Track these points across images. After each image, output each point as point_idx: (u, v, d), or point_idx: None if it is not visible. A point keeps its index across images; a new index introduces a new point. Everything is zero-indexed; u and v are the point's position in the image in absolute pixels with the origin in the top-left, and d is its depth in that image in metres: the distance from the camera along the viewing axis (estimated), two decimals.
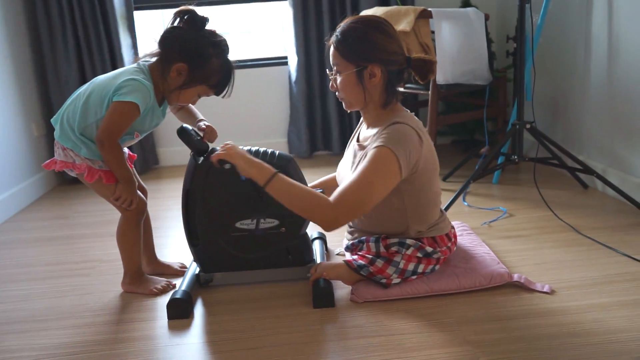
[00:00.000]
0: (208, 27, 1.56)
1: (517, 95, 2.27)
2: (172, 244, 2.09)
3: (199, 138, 1.59)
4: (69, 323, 1.54)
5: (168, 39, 1.55)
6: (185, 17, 1.53)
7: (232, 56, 1.61)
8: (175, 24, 1.55)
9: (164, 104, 1.64)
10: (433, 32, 2.47)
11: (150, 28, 3.27)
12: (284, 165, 1.58)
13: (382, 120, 1.54)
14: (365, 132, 1.63)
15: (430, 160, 1.54)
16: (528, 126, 2.24)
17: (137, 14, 3.13)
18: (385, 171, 1.43)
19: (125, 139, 1.62)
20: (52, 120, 1.63)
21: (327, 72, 1.62)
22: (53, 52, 2.96)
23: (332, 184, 1.83)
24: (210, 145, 1.63)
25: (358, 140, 1.64)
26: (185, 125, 1.59)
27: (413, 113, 1.61)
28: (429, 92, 2.52)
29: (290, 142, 3.38)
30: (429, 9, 2.39)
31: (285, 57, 3.29)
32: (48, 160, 1.64)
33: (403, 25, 2.37)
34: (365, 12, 2.62)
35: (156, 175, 3.17)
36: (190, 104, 1.75)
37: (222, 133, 3.38)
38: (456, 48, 2.42)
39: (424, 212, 1.58)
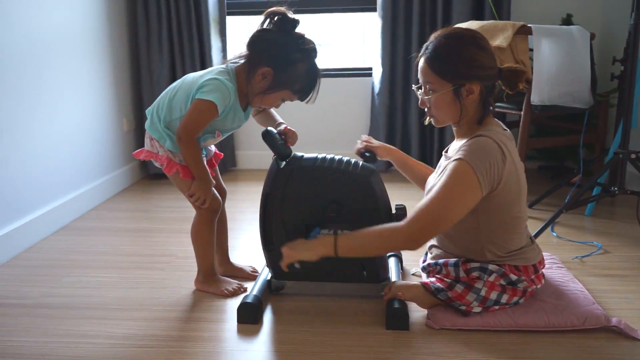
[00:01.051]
0: (298, 30, 1.54)
1: (623, 122, 2.08)
2: (244, 246, 2.09)
3: (282, 142, 1.57)
4: (142, 315, 1.56)
5: (256, 42, 1.53)
6: (276, 19, 1.51)
7: (319, 62, 1.58)
8: (265, 25, 1.53)
9: (248, 107, 1.64)
10: (531, 50, 2.33)
11: (240, 33, 3.35)
12: (366, 175, 1.53)
13: (474, 133, 1.46)
14: (454, 144, 1.55)
15: (514, 180, 1.42)
16: (633, 156, 2.05)
17: (228, 19, 3.21)
18: (464, 185, 1.35)
19: (206, 137, 1.63)
20: (147, 110, 1.67)
21: (414, 87, 1.55)
22: (148, 51, 3.09)
23: (422, 171, 1.78)
24: (293, 151, 1.60)
25: (447, 153, 1.56)
26: (270, 128, 1.58)
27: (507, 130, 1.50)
28: (522, 112, 2.37)
29: None
30: (529, 25, 2.25)
31: (370, 69, 3.25)
32: (138, 150, 1.68)
33: (499, 41, 2.25)
34: (458, 26, 2.53)
35: (233, 177, 3.21)
36: (270, 110, 1.75)
37: (301, 141, 3.36)
38: (555, 67, 2.26)
39: (500, 236, 1.46)
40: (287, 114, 3.45)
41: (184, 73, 3.10)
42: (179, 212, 2.52)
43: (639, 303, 1.58)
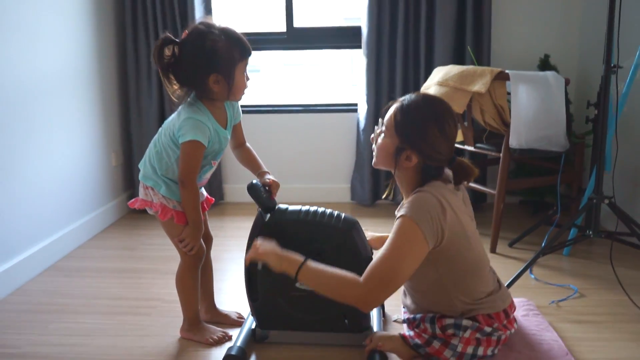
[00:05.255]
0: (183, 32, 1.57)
1: (597, 168, 2.16)
2: (229, 289, 2.12)
3: (267, 195, 1.62)
4: None
5: (181, 74, 1.57)
6: (170, 48, 1.54)
7: (220, 21, 1.59)
8: (171, 59, 1.55)
9: (227, 123, 1.69)
10: (509, 93, 2.41)
11: None
12: (348, 229, 1.58)
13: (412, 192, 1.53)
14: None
15: (458, 229, 1.47)
16: (606, 201, 2.12)
17: None
18: (410, 241, 1.40)
19: (206, 170, 1.69)
20: (139, 164, 1.72)
21: (379, 121, 1.60)
22: (137, 87, 3.14)
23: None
24: (278, 203, 1.65)
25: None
26: (255, 181, 1.63)
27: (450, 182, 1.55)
28: (500, 155, 2.45)
29: (352, 189, 3.38)
30: (507, 71, 2.34)
31: (355, 104, 3.32)
32: (133, 200, 1.73)
33: (478, 87, 2.34)
34: (439, 70, 2.61)
35: (220, 212, 3.24)
36: (251, 149, 1.80)
37: (287, 174, 3.45)
38: (532, 112, 2.34)
39: (465, 282, 1.51)
40: (275, 147, 3.51)
41: (172, 109, 3.15)
42: (164, 251, 2.54)
43: (610, 351, 1.64)
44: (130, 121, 3.17)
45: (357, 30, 3.22)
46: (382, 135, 1.54)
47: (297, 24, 3.31)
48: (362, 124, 3.24)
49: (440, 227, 1.42)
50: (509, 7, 3.15)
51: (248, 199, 1.71)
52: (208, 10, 3.17)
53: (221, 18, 1.52)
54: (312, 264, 1.45)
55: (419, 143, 1.48)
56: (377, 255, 1.44)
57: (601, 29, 2.13)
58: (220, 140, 1.66)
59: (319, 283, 1.45)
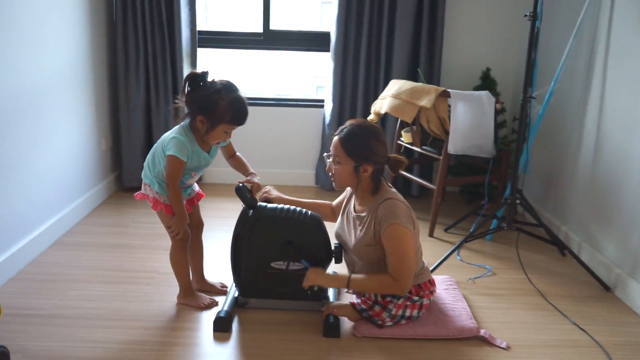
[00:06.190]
0: (210, 77, 1.97)
1: (512, 178, 2.70)
2: (213, 262, 2.55)
3: (250, 196, 2.06)
4: (139, 324, 2.03)
5: (187, 101, 2.01)
6: (190, 80, 1.97)
7: (241, 91, 1.99)
8: (188, 87, 1.98)
9: (211, 149, 2.12)
10: (449, 107, 2.90)
11: (210, 63, 3.77)
12: (313, 224, 2.05)
13: (371, 198, 2.01)
14: (358, 206, 2.09)
15: (415, 225, 1.99)
16: (518, 201, 2.67)
17: (200, 51, 3.63)
18: (408, 240, 1.92)
19: (187, 178, 2.11)
20: (144, 163, 2.12)
21: (325, 155, 2.07)
22: (126, 81, 3.48)
23: (323, 210, 2.25)
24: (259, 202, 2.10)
25: (355, 211, 2.09)
26: (242, 184, 2.07)
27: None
28: (441, 158, 2.96)
29: (317, 175, 3.85)
30: (448, 90, 2.82)
31: (322, 101, 3.76)
32: (137, 192, 2.16)
33: (425, 102, 2.81)
34: (395, 83, 3.07)
35: None
36: (240, 157, 2.23)
37: (260, 159, 3.92)
38: (467, 125, 2.84)
39: None
40: (250, 135, 3.94)
41: (158, 100, 3.54)
42: (152, 229, 2.93)
43: (504, 317, 2.19)
44: (119, 110, 3.52)
45: (327, 36, 3.63)
46: (337, 163, 1.98)
47: (272, 26, 3.69)
48: (327, 119, 3.69)
49: (413, 221, 1.96)
50: (458, 25, 3.63)
51: (225, 180, 2.07)
52: (192, 10, 3.53)
53: (204, 16, 1.82)
54: (354, 276, 1.97)
55: (370, 156, 1.95)
56: (392, 258, 1.91)
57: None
58: (199, 160, 2.08)
59: (365, 287, 1.99)
